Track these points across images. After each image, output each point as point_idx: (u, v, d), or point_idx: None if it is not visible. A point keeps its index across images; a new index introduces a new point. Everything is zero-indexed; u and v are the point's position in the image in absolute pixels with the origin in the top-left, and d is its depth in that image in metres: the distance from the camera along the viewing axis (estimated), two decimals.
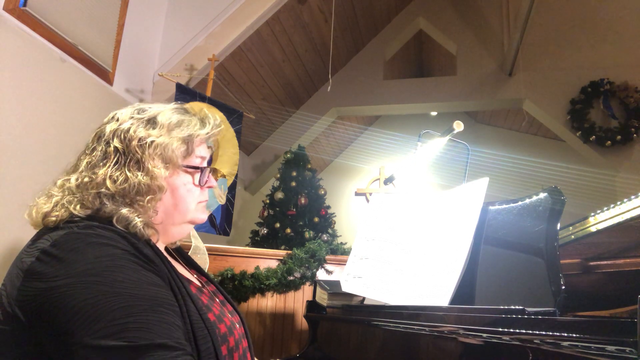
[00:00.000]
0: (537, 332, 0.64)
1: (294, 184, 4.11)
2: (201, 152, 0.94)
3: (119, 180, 0.81)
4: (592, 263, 1.13)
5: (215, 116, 0.97)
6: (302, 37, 4.51)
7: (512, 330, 0.68)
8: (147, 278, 0.74)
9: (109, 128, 0.86)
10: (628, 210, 0.99)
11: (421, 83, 5.47)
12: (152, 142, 0.84)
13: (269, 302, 2.37)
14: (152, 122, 0.87)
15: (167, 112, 0.90)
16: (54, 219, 0.79)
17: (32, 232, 0.88)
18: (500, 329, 0.71)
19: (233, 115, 3.44)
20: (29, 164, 2.44)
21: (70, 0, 2.68)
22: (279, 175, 4.28)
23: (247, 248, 2.89)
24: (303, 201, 4.04)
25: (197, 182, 0.92)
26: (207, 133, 0.93)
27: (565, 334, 0.60)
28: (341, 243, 3.74)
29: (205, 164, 0.95)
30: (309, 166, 4.28)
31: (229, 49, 3.69)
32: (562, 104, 4.52)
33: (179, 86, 3.11)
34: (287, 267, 2.32)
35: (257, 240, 4.07)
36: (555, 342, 0.61)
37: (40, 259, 0.72)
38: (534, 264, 0.95)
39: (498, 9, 4.95)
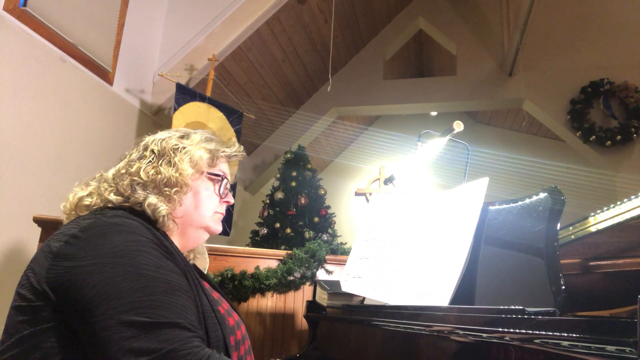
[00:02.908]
0: (537, 332, 0.64)
1: (294, 184, 4.11)
2: (224, 168, 1.07)
3: (151, 172, 0.93)
4: (592, 263, 1.13)
5: (241, 146, 1.13)
6: (302, 37, 4.51)
7: (512, 330, 0.68)
8: (167, 265, 0.82)
9: (148, 138, 1.02)
10: (628, 210, 0.99)
11: (421, 83, 5.47)
12: (183, 147, 0.98)
13: (269, 302, 2.37)
14: (186, 136, 1.03)
15: (200, 132, 1.06)
16: (87, 203, 0.90)
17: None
18: (500, 329, 0.71)
19: (233, 115, 3.44)
20: (29, 164, 2.44)
21: (70, 0, 2.68)
22: (279, 175, 4.27)
23: (247, 248, 2.89)
24: (303, 201, 4.04)
25: (217, 191, 1.04)
26: (231, 152, 1.08)
27: (565, 334, 0.60)
28: (341, 243, 3.74)
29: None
30: (309, 166, 4.28)
31: (229, 49, 3.69)
32: (562, 104, 4.52)
33: (179, 86, 3.11)
34: (287, 267, 2.32)
35: (257, 240, 4.06)
36: (555, 342, 0.61)
37: (69, 242, 0.78)
38: (534, 264, 0.95)
39: (498, 9, 4.95)
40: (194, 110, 3.17)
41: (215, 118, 3.31)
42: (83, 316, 0.73)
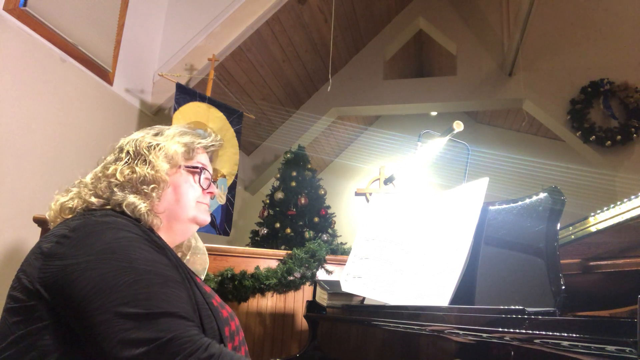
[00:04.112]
0: (537, 332, 0.64)
1: (294, 184, 4.11)
2: (202, 160, 1.06)
3: (126, 172, 0.94)
4: (592, 263, 1.13)
5: (218, 135, 1.13)
6: (302, 37, 4.51)
7: (512, 330, 0.68)
8: (159, 259, 0.83)
9: (123, 140, 1.03)
10: (628, 210, 0.99)
11: (421, 83, 5.47)
12: (157, 144, 0.99)
13: (269, 302, 2.36)
14: (160, 133, 1.04)
15: (173, 127, 1.07)
16: (70, 206, 0.91)
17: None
18: (500, 329, 0.71)
19: (233, 115, 3.44)
20: (29, 164, 2.44)
21: (70, 1, 2.68)
22: (279, 175, 4.27)
23: (247, 248, 2.88)
24: (303, 201, 4.04)
25: (197, 183, 1.04)
26: (207, 143, 1.08)
27: (565, 334, 0.60)
28: (341, 243, 3.74)
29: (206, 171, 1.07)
30: (309, 166, 4.28)
31: (229, 49, 3.69)
32: (562, 104, 4.52)
33: (179, 86, 3.11)
34: (287, 267, 2.32)
35: (257, 240, 4.06)
36: (555, 342, 0.61)
37: (60, 242, 0.79)
38: (534, 264, 0.95)
39: (498, 9, 4.95)
40: (194, 110, 3.17)
41: (215, 118, 3.31)
42: (79, 312, 0.73)
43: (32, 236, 2.24)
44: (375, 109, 5.41)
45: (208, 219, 1.06)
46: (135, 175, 0.93)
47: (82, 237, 0.79)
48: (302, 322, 2.35)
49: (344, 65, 5.43)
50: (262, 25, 3.81)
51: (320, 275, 2.42)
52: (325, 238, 3.92)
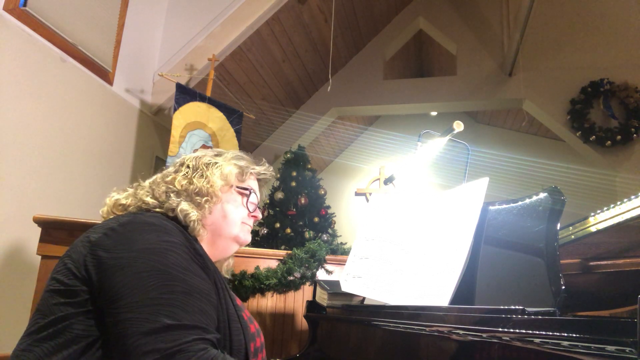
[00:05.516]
0: (537, 332, 0.64)
1: (294, 184, 4.11)
2: (252, 185, 1.16)
3: (184, 182, 1.03)
4: (592, 263, 1.13)
5: (271, 166, 1.23)
6: (302, 37, 4.51)
7: (512, 330, 0.68)
8: (194, 269, 0.87)
9: (185, 156, 1.12)
10: (628, 210, 0.99)
11: (421, 83, 5.47)
12: (215, 162, 1.09)
13: (268, 302, 2.36)
14: (220, 154, 1.14)
15: (232, 151, 1.18)
16: (123, 202, 0.98)
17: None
18: (500, 329, 0.71)
19: (233, 115, 3.44)
20: (29, 164, 2.44)
21: (70, 0, 2.68)
22: (279, 175, 4.27)
23: (247, 248, 2.88)
24: (303, 201, 4.04)
25: (244, 204, 1.12)
26: (260, 170, 1.19)
27: (565, 334, 0.60)
28: (341, 243, 3.74)
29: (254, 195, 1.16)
30: (309, 166, 4.28)
31: (229, 49, 3.69)
32: (562, 104, 4.52)
33: (179, 86, 3.11)
34: (287, 267, 2.32)
35: (257, 240, 4.06)
36: (555, 342, 0.61)
37: (108, 234, 0.85)
38: (534, 264, 0.95)
39: (498, 9, 4.95)
40: (194, 110, 3.17)
41: (215, 118, 3.31)
42: (110, 305, 0.78)
43: (32, 236, 2.24)
44: (375, 109, 5.42)
45: (249, 239, 1.14)
46: (192, 186, 1.01)
47: (129, 232, 0.84)
48: (302, 322, 2.35)
49: (344, 65, 5.43)
50: (262, 25, 3.81)
51: (320, 275, 2.42)
52: (325, 238, 3.92)
